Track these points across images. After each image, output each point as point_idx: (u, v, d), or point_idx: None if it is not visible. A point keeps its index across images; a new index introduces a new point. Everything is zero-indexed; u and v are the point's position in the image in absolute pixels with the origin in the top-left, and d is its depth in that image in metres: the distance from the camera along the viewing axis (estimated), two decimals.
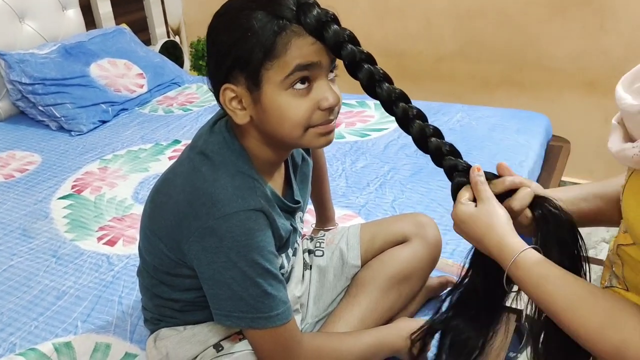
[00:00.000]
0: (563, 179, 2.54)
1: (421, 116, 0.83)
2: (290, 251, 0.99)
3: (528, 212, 0.83)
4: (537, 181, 1.83)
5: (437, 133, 0.84)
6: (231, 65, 0.80)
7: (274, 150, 0.88)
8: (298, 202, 0.98)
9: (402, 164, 1.78)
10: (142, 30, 2.90)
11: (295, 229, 0.99)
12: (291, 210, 0.96)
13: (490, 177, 0.85)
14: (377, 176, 1.72)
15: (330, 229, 1.29)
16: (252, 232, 0.82)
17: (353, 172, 1.76)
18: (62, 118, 2.18)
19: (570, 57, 2.39)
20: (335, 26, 0.79)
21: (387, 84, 0.82)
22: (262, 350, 0.88)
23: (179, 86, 2.57)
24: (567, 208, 0.84)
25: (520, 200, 0.81)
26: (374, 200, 1.60)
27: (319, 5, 0.81)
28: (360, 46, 0.81)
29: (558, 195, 0.87)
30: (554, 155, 1.99)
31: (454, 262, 1.32)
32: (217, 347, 0.95)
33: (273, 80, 0.79)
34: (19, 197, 1.74)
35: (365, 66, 0.80)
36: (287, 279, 1.06)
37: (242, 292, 0.83)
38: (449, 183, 1.57)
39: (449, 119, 2.07)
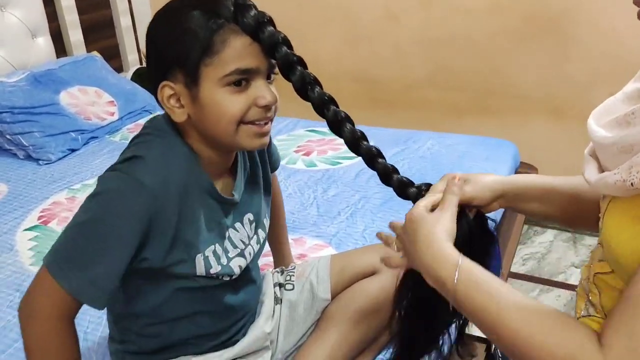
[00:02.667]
0: None
1: (350, 120, 0.86)
2: (232, 249, 0.96)
3: None
4: (506, 209, 1.86)
5: (364, 137, 0.87)
6: (170, 63, 0.82)
7: (214, 151, 0.89)
8: (232, 197, 0.95)
9: (373, 192, 1.79)
10: (113, 57, 2.88)
11: (236, 229, 0.97)
12: (224, 202, 0.93)
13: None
14: (348, 205, 1.73)
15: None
16: (121, 196, 0.81)
17: (324, 201, 1.76)
18: (30, 147, 2.15)
19: (536, 85, 2.45)
20: (271, 28, 0.81)
21: (318, 88, 0.84)
22: (31, 288, 0.85)
23: (150, 113, 2.56)
24: (517, 205, 0.88)
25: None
26: (345, 229, 1.61)
27: (256, 7, 0.83)
28: (292, 50, 0.83)
29: (521, 189, 0.89)
30: None
31: None
32: None
33: (211, 77, 0.81)
34: None
35: (299, 68, 0.83)
36: (247, 304, 1.04)
37: (75, 235, 0.82)
38: None
39: (419, 146, 2.10)
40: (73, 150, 2.21)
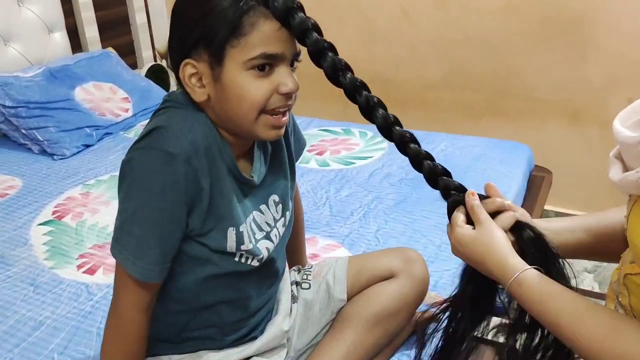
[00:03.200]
0: (546, 207, 2.57)
1: (382, 105, 0.86)
2: (257, 231, 0.95)
3: (510, 236, 0.86)
4: None
5: (398, 122, 0.87)
6: (195, 41, 0.81)
7: (229, 134, 0.88)
8: (251, 178, 0.94)
9: (386, 193, 1.78)
10: (128, 53, 2.89)
11: (261, 212, 0.96)
12: (243, 182, 0.92)
13: (480, 197, 0.88)
14: (361, 205, 1.72)
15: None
16: (154, 173, 0.80)
17: (337, 201, 1.76)
18: (45, 142, 2.16)
19: (553, 87, 2.43)
20: (301, 14, 0.81)
21: (350, 73, 0.83)
22: (114, 291, 0.88)
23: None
24: (551, 237, 0.87)
25: (502, 222, 0.85)
26: (357, 230, 1.60)
27: None
28: (322, 36, 0.83)
29: (544, 225, 0.90)
30: (536, 185, 2.01)
31: (437, 294, 1.31)
32: None
33: (236, 58, 0.80)
34: None
35: (330, 54, 0.82)
36: (266, 292, 1.03)
37: (128, 226, 0.83)
38: (432, 213, 1.59)
39: (433, 147, 2.08)
40: (87, 146, 2.22)
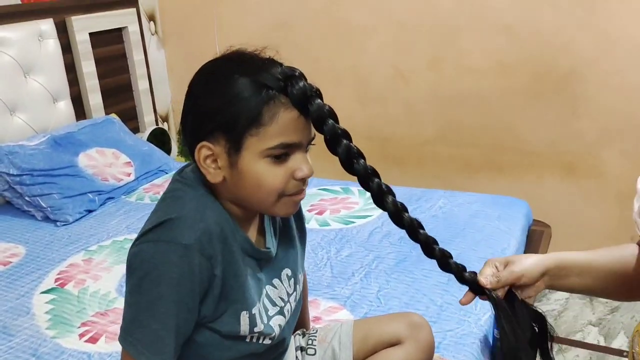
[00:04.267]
0: None
1: (391, 192, 0.88)
2: (270, 307, 0.96)
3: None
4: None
5: (405, 208, 0.90)
6: (213, 127, 0.83)
7: (242, 210, 0.90)
8: (268, 250, 0.96)
9: (387, 252, 1.80)
10: (131, 118, 2.97)
11: (274, 286, 0.97)
12: (260, 257, 0.94)
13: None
14: (362, 265, 1.73)
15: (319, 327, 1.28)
16: (170, 265, 0.81)
17: (338, 262, 1.77)
18: (49, 208, 2.19)
19: (547, 142, 2.48)
20: (319, 100, 0.83)
21: (362, 160, 0.86)
22: None
23: (166, 173, 2.61)
24: (559, 282, 0.94)
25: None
26: (359, 291, 1.60)
27: (305, 79, 0.85)
28: (338, 122, 0.85)
29: (560, 263, 0.94)
30: (535, 240, 2.02)
31: (439, 355, 1.31)
32: None
33: (254, 147, 0.82)
34: (1, 292, 1.72)
35: (344, 142, 0.84)
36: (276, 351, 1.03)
37: (142, 320, 0.83)
38: (432, 272, 1.61)
39: (431, 205, 2.11)
40: (90, 211, 2.25)
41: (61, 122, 2.57)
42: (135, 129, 3.00)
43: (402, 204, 0.88)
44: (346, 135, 0.84)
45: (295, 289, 1.03)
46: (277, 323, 0.97)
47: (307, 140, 0.86)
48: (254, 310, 0.91)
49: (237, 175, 0.84)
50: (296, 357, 1.13)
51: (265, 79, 0.82)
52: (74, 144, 2.42)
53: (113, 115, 2.76)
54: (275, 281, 0.98)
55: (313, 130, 0.87)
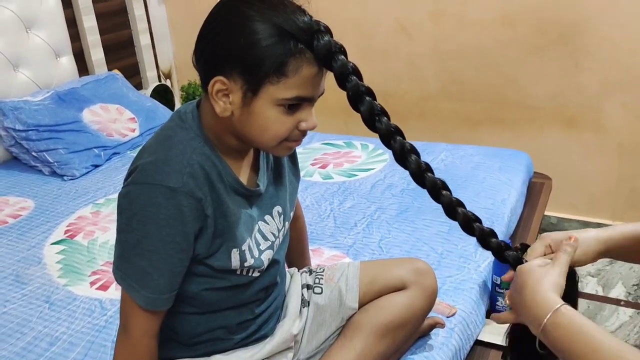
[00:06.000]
0: (547, 213, 2.61)
1: (415, 151, 0.87)
2: (262, 241, 0.99)
3: None
4: (520, 218, 1.88)
5: (430, 168, 0.88)
6: (233, 65, 0.83)
7: (239, 142, 0.92)
8: (258, 187, 0.98)
9: (389, 203, 1.83)
10: (133, 75, 2.97)
11: (266, 222, 1.00)
12: (248, 195, 0.96)
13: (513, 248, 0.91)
14: (364, 216, 1.77)
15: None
16: (157, 207, 0.83)
17: (341, 213, 1.80)
18: (55, 163, 2.22)
19: (549, 95, 2.47)
20: (343, 57, 0.83)
21: (385, 118, 0.85)
22: (121, 314, 0.92)
23: None
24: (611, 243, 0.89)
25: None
26: (361, 240, 1.64)
27: (331, 33, 0.85)
28: (362, 79, 0.84)
29: (615, 239, 0.90)
30: (536, 191, 2.05)
31: (440, 300, 1.35)
32: None
33: (271, 94, 0.83)
34: (12, 244, 1.76)
35: (367, 99, 0.84)
36: (270, 295, 1.07)
37: (130, 256, 0.87)
38: (434, 222, 1.62)
39: (433, 158, 2.13)
40: (96, 166, 2.28)
41: (64, 78, 2.58)
42: (138, 85, 3.00)
43: (426, 164, 0.86)
44: (370, 92, 0.84)
45: (284, 225, 1.06)
46: (267, 257, 1.00)
47: (319, 94, 0.88)
48: (244, 247, 0.94)
49: (246, 114, 0.86)
50: (302, 294, 1.16)
51: (293, 29, 0.81)
52: (78, 100, 2.43)
53: (116, 71, 2.75)
54: (267, 217, 1.01)
55: (324, 84, 0.88)
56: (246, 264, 0.95)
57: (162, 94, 2.99)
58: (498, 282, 1.41)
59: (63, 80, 2.56)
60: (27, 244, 1.76)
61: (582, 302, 2.23)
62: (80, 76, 2.66)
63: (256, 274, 0.99)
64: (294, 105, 0.86)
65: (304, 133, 0.90)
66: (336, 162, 2.17)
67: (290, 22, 0.82)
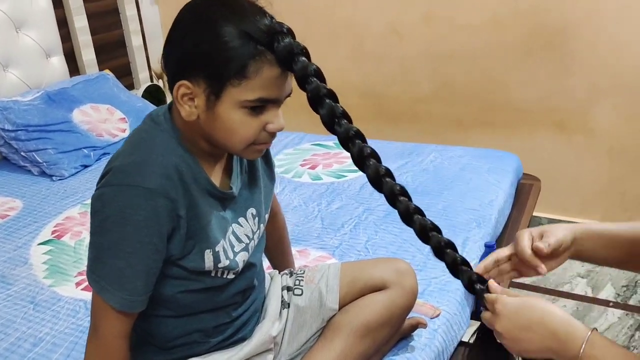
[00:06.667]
0: (538, 214, 2.61)
1: (375, 155, 0.86)
2: (237, 243, 0.99)
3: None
4: (508, 219, 1.89)
5: (389, 173, 0.87)
6: (196, 69, 0.84)
7: (211, 146, 0.92)
8: (231, 190, 0.98)
9: (377, 204, 1.83)
10: (125, 75, 2.96)
11: (240, 224, 1.00)
12: (223, 197, 0.96)
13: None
14: (352, 217, 1.77)
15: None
16: (136, 208, 0.83)
17: (328, 213, 1.80)
18: (44, 163, 2.21)
19: (538, 99, 2.48)
20: (304, 59, 0.83)
21: (345, 121, 0.85)
22: (93, 316, 0.91)
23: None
24: (585, 254, 0.93)
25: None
26: (348, 241, 1.64)
27: (292, 35, 0.85)
28: (325, 82, 0.84)
29: (590, 232, 0.93)
30: (524, 193, 2.05)
31: (424, 302, 1.35)
32: None
33: (234, 97, 0.84)
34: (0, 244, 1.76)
35: (327, 101, 0.84)
36: (247, 298, 1.07)
37: (105, 258, 0.86)
38: None
39: (422, 159, 2.13)
40: (85, 167, 2.27)
41: (55, 78, 2.57)
42: (130, 86, 2.99)
43: (386, 169, 0.86)
44: (331, 95, 0.84)
45: (259, 227, 1.05)
46: (242, 258, 1.00)
47: (285, 95, 0.88)
48: (217, 248, 0.94)
49: (211, 117, 0.86)
50: (282, 296, 1.16)
51: (253, 31, 0.82)
52: (68, 100, 2.42)
53: (107, 71, 2.75)
54: (241, 219, 1.01)
55: (291, 85, 0.88)
56: (220, 265, 0.95)
57: (154, 94, 2.99)
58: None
59: (53, 80, 2.56)
60: (14, 244, 1.75)
61: (571, 303, 2.23)
62: (71, 76, 2.66)
63: (231, 276, 0.99)
64: (258, 107, 0.85)
65: (272, 135, 0.90)
66: (325, 162, 2.17)
67: (250, 25, 0.82)
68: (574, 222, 2.60)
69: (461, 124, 2.69)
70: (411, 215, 0.87)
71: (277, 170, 2.12)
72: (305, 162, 2.18)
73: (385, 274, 1.15)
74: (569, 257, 0.95)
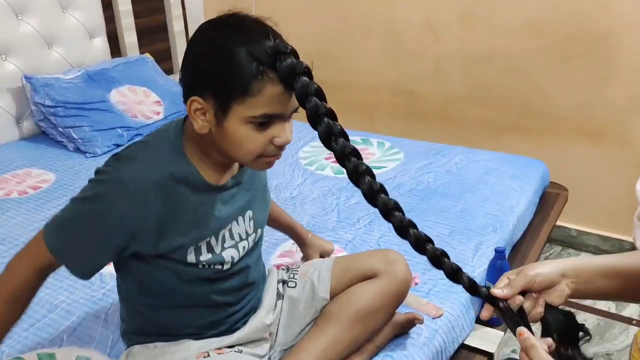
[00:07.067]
0: (566, 225, 2.56)
1: (370, 172, 0.88)
2: (228, 239, 1.04)
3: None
4: (529, 227, 1.86)
5: (383, 189, 0.87)
6: (205, 87, 0.90)
7: (223, 157, 0.98)
8: (229, 188, 1.03)
9: None
10: (165, 59, 3.03)
11: (237, 223, 1.05)
12: (220, 192, 1.01)
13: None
14: (368, 213, 1.77)
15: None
16: (112, 196, 0.92)
17: (345, 208, 1.82)
18: (79, 140, 2.30)
19: (575, 107, 2.42)
20: (305, 79, 0.86)
21: (342, 139, 0.86)
22: (27, 246, 0.99)
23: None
24: (584, 287, 0.88)
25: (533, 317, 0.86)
26: (361, 236, 1.65)
27: (295, 55, 0.88)
28: (325, 101, 0.87)
29: (578, 265, 0.89)
30: (550, 202, 2.02)
31: (428, 301, 1.35)
32: None
33: (239, 113, 0.89)
34: (29, 213, 1.84)
35: (325, 120, 0.86)
36: (244, 297, 1.11)
37: (72, 206, 0.95)
38: (436, 224, 1.62)
39: (447, 160, 2.12)
40: (118, 146, 2.34)
41: (96, 58, 2.66)
42: (169, 70, 3.06)
43: (381, 185, 0.87)
44: (329, 114, 0.86)
45: (255, 231, 1.10)
46: (230, 254, 1.04)
47: (291, 110, 0.92)
48: (200, 244, 1.00)
49: (221, 132, 0.92)
50: (277, 289, 1.20)
51: (258, 52, 0.87)
52: (107, 80, 2.50)
53: (147, 55, 2.82)
54: (240, 219, 1.06)
55: (296, 101, 0.90)
56: (202, 258, 1.00)
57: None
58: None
59: (95, 61, 2.64)
60: (43, 215, 1.83)
61: (592, 317, 2.19)
62: (112, 57, 2.75)
63: (218, 267, 1.03)
64: (264, 123, 0.90)
65: (280, 148, 0.94)
66: None
67: (255, 47, 0.87)
68: (602, 235, 2.54)
69: (493, 127, 2.65)
70: (405, 228, 0.87)
71: (301, 162, 2.15)
72: (330, 156, 2.19)
73: (375, 263, 1.19)
74: (573, 295, 0.90)
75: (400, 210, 0.87)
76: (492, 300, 0.87)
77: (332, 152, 0.87)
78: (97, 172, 0.95)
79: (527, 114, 2.55)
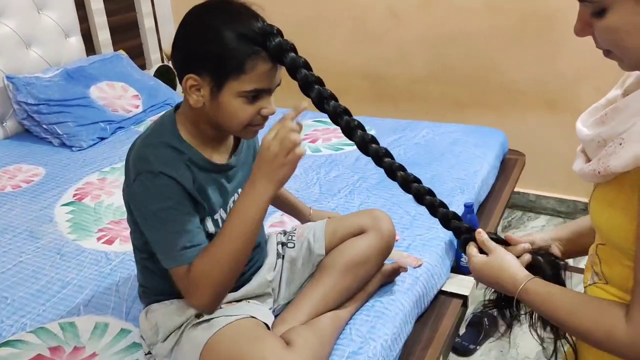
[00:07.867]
0: (526, 190, 2.76)
1: (361, 127, 1.04)
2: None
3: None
4: (492, 189, 2.04)
5: (374, 140, 1.04)
6: (201, 66, 1.00)
7: (215, 130, 1.10)
8: (229, 164, 1.15)
9: (371, 173, 1.98)
10: (138, 55, 3.12)
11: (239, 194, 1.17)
12: (224, 171, 1.13)
13: (498, 240, 1.06)
14: (347, 184, 1.92)
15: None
16: (158, 187, 1.02)
17: (326, 181, 1.96)
18: (64, 135, 2.38)
19: (531, 80, 2.62)
20: (292, 54, 1.01)
21: (333, 101, 1.03)
22: (179, 287, 1.07)
23: (171, 106, 2.76)
24: (571, 247, 1.07)
25: (514, 250, 1.03)
26: (343, 204, 1.80)
27: (281, 35, 1.02)
28: (312, 70, 1.02)
29: (560, 234, 1.08)
30: (509, 167, 2.20)
31: (408, 254, 1.51)
32: (198, 316, 1.14)
33: (233, 88, 1.01)
34: (25, 205, 1.93)
35: (316, 87, 1.02)
36: (252, 255, 1.22)
37: (158, 235, 1.04)
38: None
39: (415, 134, 2.28)
40: (102, 139, 2.44)
41: (73, 56, 2.74)
42: (142, 66, 3.15)
43: (372, 137, 1.04)
44: (318, 81, 1.02)
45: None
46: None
47: (275, 85, 1.06)
48: (216, 217, 1.13)
49: (215, 105, 1.04)
50: (277, 250, 1.34)
51: (249, 33, 0.98)
52: (86, 77, 2.59)
53: (121, 52, 2.91)
54: (239, 191, 1.18)
55: (280, 76, 1.05)
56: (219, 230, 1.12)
57: (165, 74, 3.14)
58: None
59: (72, 59, 2.72)
60: (39, 205, 1.92)
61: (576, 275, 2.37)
62: (87, 55, 2.82)
63: None
64: (254, 96, 1.03)
65: (265, 118, 1.07)
66: (325, 137, 2.33)
67: (246, 28, 0.99)
68: (559, 198, 2.73)
69: (456, 103, 2.83)
70: (394, 171, 1.05)
71: None
72: (307, 137, 2.34)
73: (363, 221, 1.33)
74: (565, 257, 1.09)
75: (390, 156, 1.04)
76: (460, 232, 1.07)
77: (325, 113, 1.01)
78: (130, 184, 1.05)
79: (487, 89, 2.74)
